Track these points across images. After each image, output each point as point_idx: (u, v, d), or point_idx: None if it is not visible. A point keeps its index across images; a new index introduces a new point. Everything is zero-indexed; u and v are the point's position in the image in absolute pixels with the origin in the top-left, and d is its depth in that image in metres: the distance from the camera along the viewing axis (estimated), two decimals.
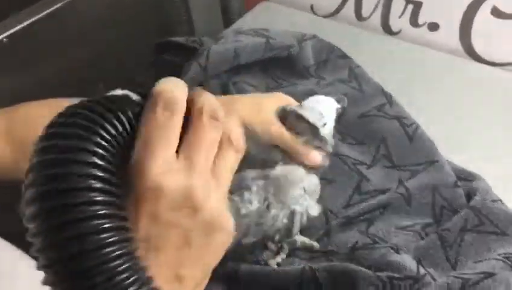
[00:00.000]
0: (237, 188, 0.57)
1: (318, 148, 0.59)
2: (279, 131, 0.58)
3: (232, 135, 0.34)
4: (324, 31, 1.00)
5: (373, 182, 0.73)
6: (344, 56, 0.94)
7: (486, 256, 0.62)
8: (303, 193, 0.58)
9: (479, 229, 0.65)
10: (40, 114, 0.61)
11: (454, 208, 0.69)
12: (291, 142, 0.58)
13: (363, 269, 0.59)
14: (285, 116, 0.59)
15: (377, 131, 0.80)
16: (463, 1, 0.96)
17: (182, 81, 0.34)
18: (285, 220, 0.57)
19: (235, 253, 0.63)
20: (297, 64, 0.92)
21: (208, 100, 0.33)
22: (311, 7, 1.17)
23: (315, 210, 0.59)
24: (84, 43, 0.93)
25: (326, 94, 0.85)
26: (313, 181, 0.59)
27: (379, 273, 0.59)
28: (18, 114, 0.64)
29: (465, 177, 0.73)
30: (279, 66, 0.93)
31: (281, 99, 0.64)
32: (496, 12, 0.94)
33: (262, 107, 0.60)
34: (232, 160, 0.34)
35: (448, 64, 0.99)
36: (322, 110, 0.59)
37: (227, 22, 1.22)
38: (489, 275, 0.57)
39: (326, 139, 0.59)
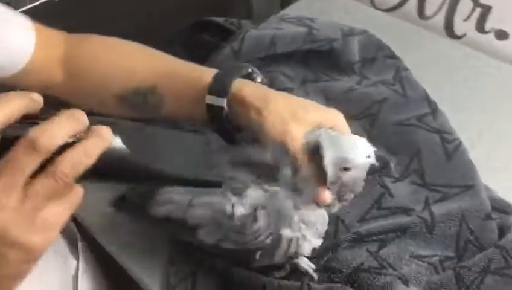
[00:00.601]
0: (235, 187, 0.53)
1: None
2: (299, 157, 0.53)
3: (60, 167, 0.36)
4: (381, 26, 0.93)
5: (397, 198, 0.67)
6: (393, 56, 0.86)
7: None
8: (298, 221, 0.53)
9: (503, 272, 0.57)
10: (101, 54, 0.65)
11: (481, 244, 0.61)
12: (306, 173, 0.53)
13: None
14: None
15: (413, 142, 0.73)
16: None
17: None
18: (268, 241, 0.53)
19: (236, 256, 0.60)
20: (340, 59, 0.86)
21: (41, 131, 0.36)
22: (371, 0, 1.09)
23: (310, 244, 0.55)
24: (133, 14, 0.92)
25: (364, 94, 0.80)
26: (316, 213, 0.54)
27: None
28: (81, 48, 0.66)
29: (502, 208, 0.65)
30: (321, 59, 0.86)
31: (327, 118, 0.57)
32: None
33: (298, 117, 0.55)
34: (45, 188, 0.36)
35: None
36: (348, 157, 0.52)
37: (284, 4, 1.16)
38: None
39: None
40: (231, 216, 0.51)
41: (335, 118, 0.57)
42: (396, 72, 0.84)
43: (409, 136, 0.74)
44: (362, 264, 0.59)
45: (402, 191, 0.68)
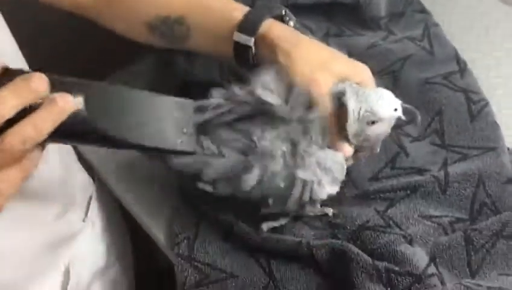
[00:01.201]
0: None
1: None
2: (323, 106, 0.53)
3: (6, 139, 0.36)
4: None
5: (413, 158, 0.64)
6: (423, 10, 0.81)
7: None
8: (313, 164, 0.52)
9: None
10: None
11: (497, 209, 0.58)
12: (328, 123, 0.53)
13: (361, 253, 0.52)
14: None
15: (436, 102, 0.69)
16: None
17: None
18: (282, 184, 0.51)
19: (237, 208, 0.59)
20: (366, 13, 0.81)
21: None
22: None
23: (325, 191, 0.53)
24: None
25: (388, 51, 0.76)
26: (334, 158, 0.53)
27: (378, 262, 0.51)
28: None
29: None
30: (345, 13, 0.82)
31: (355, 72, 0.56)
32: None
33: (327, 67, 0.55)
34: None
35: None
36: (374, 108, 0.52)
37: None
38: None
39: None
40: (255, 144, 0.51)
41: (362, 72, 0.56)
42: (426, 28, 0.79)
43: (432, 95, 0.70)
44: (367, 221, 0.57)
45: (420, 151, 0.65)
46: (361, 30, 0.82)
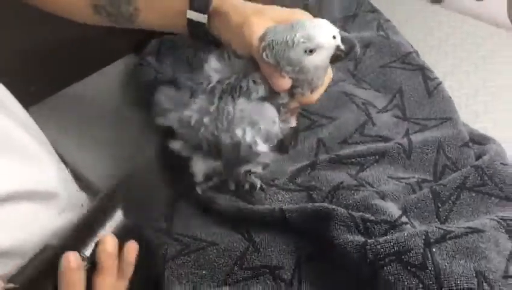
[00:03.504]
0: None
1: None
2: (256, 48, 0.52)
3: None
4: None
5: (379, 127, 0.68)
6: (373, 10, 0.88)
7: (482, 218, 0.56)
8: (238, 118, 0.53)
9: (479, 189, 0.58)
10: None
11: (458, 168, 0.62)
12: (262, 63, 0.53)
13: (337, 207, 0.54)
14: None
15: (396, 82, 0.75)
16: None
17: None
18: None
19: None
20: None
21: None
22: None
23: (256, 146, 0.54)
24: None
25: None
26: (262, 112, 0.53)
27: (354, 213, 0.54)
28: None
29: (479, 140, 0.66)
30: None
31: (293, 15, 0.55)
32: None
33: (261, 12, 0.55)
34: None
35: (491, 37, 0.90)
36: (311, 34, 0.49)
37: None
38: (477, 230, 0.51)
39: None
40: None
41: (301, 16, 0.55)
42: (379, 25, 0.85)
43: (392, 76, 0.75)
44: (342, 183, 0.59)
45: (384, 122, 0.69)
46: None
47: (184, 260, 0.57)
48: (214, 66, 0.55)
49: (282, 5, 0.57)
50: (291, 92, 0.54)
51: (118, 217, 0.49)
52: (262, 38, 0.51)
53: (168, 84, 0.66)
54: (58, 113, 0.83)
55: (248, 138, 0.53)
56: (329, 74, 0.55)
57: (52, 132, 0.64)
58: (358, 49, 0.51)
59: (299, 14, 0.55)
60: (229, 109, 0.53)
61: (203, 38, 0.59)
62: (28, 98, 0.63)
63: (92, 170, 0.73)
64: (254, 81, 0.53)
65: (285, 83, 0.52)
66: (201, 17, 0.57)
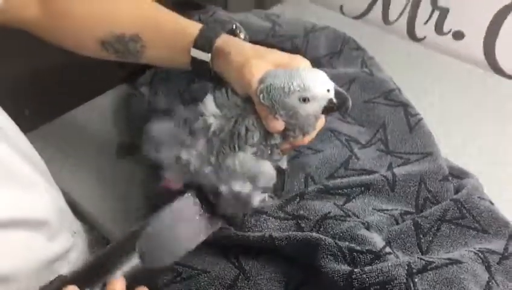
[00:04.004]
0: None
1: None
2: (254, 90, 0.55)
3: None
4: (351, 32, 0.98)
5: (362, 161, 0.71)
6: (358, 48, 0.92)
7: (460, 249, 0.59)
8: (241, 175, 0.55)
9: (458, 222, 0.62)
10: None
11: (438, 202, 0.66)
12: (258, 105, 0.55)
13: (324, 237, 0.57)
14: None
15: (380, 116, 0.79)
16: (490, 9, 0.93)
17: None
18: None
19: None
20: (306, 56, 0.91)
21: None
22: (341, 7, 1.17)
23: (256, 199, 0.57)
24: None
25: (334, 76, 0.84)
26: (262, 167, 0.56)
27: (341, 243, 0.56)
28: None
29: (457, 174, 0.70)
30: None
31: (292, 61, 0.58)
32: None
33: (262, 56, 0.57)
34: None
35: (469, 75, 0.96)
36: (307, 84, 0.52)
37: (259, 8, 1.23)
38: (456, 262, 0.54)
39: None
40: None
41: (300, 62, 0.57)
42: (363, 61, 0.90)
43: (376, 112, 0.79)
44: (329, 213, 0.62)
45: (368, 156, 0.73)
46: None
47: (176, 288, 0.59)
48: (211, 110, 0.57)
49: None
50: (284, 134, 0.56)
51: (134, 261, 0.50)
52: (261, 81, 0.54)
53: (161, 116, 0.68)
54: (53, 140, 0.84)
55: (246, 190, 0.55)
56: (322, 119, 0.58)
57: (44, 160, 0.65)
58: (350, 103, 0.54)
59: (299, 60, 0.58)
60: (228, 163, 0.55)
61: (206, 75, 0.61)
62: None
63: (85, 198, 0.75)
64: (249, 128, 0.55)
65: (278, 125, 0.55)
66: (205, 56, 0.60)
